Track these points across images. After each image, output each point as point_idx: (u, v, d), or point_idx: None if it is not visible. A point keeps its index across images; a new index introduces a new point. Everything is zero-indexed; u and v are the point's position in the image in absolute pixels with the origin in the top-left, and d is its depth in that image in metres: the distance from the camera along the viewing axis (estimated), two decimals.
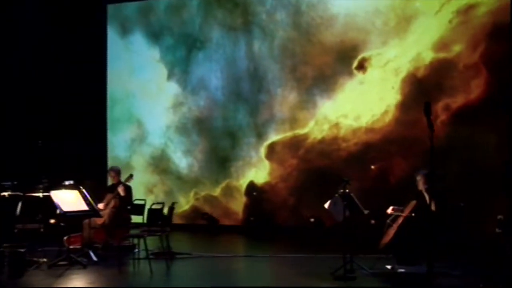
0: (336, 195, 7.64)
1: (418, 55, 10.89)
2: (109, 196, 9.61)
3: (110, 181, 10.08)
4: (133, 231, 8.77)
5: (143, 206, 9.09)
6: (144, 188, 12.51)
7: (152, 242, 8.70)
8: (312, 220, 11.18)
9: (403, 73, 10.98)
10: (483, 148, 10.09)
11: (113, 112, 12.91)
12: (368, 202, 7.82)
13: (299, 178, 11.47)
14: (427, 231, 6.88)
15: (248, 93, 11.99)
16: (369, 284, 7.20)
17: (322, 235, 10.73)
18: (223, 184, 12.00)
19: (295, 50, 11.71)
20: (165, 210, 8.82)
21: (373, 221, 9.83)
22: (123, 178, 9.56)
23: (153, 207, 8.58)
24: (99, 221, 9.24)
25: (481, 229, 8.95)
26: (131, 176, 9.31)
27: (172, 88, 12.58)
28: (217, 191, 12.04)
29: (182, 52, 12.50)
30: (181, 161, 12.33)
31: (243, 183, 11.92)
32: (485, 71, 10.41)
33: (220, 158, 12.09)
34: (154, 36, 12.75)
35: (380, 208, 7.97)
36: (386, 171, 10.86)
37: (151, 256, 8.42)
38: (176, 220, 11.97)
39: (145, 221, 8.65)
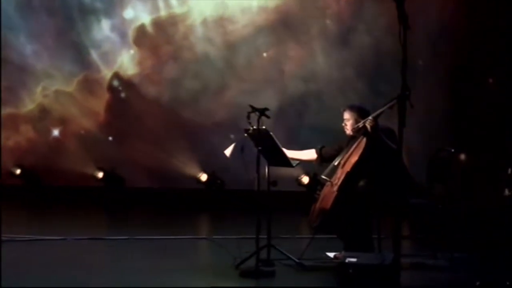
0: (245, 134, 5.58)
1: None
2: None
3: None
4: None
5: None
6: None
7: None
8: (202, 177, 9.71)
9: None
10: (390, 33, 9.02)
11: None
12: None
13: (175, 69, 10.34)
14: (383, 193, 5.24)
15: None
16: (296, 284, 5.28)
17: (222, 201, 9.17)
18: (80, 77, 10.55)
19: None
20: None
21: (306, 178, 8.70)
22: None
23: None
24: None
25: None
26: None
27: None
28: (71, 86, 10.58)
29: None
30: (25, 48, 10.65)
31: (105, 75, 10.54)
32: None
33: (76, 43, 10.56)
34: None
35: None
36: (281, 59, 10.03)
37: None
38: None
39: None
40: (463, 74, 8.73)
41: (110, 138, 10.43)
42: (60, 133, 10.58)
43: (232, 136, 9.12)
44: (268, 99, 9.21)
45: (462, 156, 6.72)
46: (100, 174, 10.15)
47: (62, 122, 10.59)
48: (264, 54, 9.94)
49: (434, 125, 8.65)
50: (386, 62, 8.98)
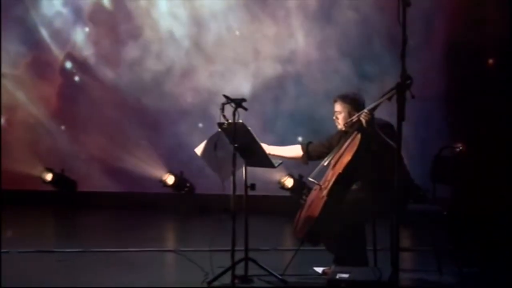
0: (219, 129, 5.26)
1: None
2: None
3: None
4: None
5: None
6: None
7: None
8: (169, 179, 9.11)
9: None
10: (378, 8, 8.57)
11: None
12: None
13: (136, 49, 9.95)
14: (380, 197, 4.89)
15: None
16: None
17: (191, 207, 8.87)
18: (28, 59, 10.29)
19: None
20: None
21: (290, 181, 8.31)
22: None
23: None
24: None
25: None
26: None
27: None
28: (19, 69, 10.36)
29: None
30: None
31: (57, 56, 10.25)
32: None
33: (23, 20, 10.26)
34: None
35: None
36: (255, 37, 9.71)
37: None
38: None
39: None
40: (460, 54, 8.41)
41: (63, 128, 10.18)
42: (6, 122, 10.33)
43: (200, 125, 8.94)
44: (241, 83, 9.17)
45: (463, 149, 6.20)
46: (49, 176, 9.58)
47: (9, 109, 10.34)
48: (237, 32, 9.63)
49: (428, 114, 8.36)
50: (373, 41, 8.81)
